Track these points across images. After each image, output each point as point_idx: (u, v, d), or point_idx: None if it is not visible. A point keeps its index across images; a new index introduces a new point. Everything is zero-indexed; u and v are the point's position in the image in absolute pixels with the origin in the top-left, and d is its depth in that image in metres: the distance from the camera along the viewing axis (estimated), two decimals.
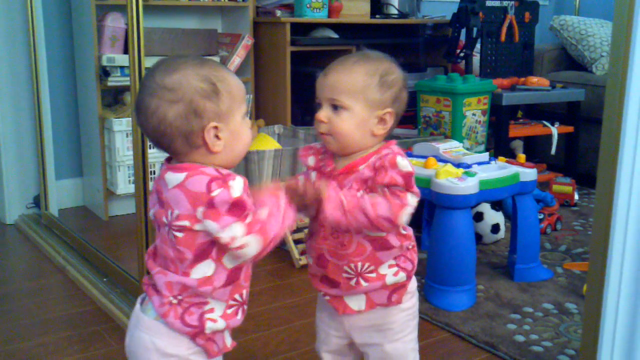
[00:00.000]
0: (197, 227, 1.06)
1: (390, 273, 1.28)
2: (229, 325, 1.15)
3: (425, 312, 2.07)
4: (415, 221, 2.81)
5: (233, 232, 1.04)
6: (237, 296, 1.15)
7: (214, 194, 1.03)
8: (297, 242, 2.47)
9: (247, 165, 2.54)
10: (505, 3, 3.55)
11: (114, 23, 2.91)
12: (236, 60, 3.22)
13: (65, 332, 1.96)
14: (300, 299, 2.16)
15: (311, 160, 1.31)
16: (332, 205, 1.16)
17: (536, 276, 2.33)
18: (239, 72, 3.27)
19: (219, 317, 1.13)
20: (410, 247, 1.31)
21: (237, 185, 1.05)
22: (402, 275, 1.29)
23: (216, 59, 3.18)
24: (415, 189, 1.21)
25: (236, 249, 1.05)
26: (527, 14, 3.64)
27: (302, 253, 2.41)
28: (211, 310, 1.12)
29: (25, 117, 2.91)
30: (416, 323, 1.37)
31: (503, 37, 3.54)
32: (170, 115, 1.06)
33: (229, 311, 1.14)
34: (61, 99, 3.10)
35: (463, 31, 3.38)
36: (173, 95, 1.06)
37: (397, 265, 1.29)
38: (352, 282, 1.28)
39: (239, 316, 1.16)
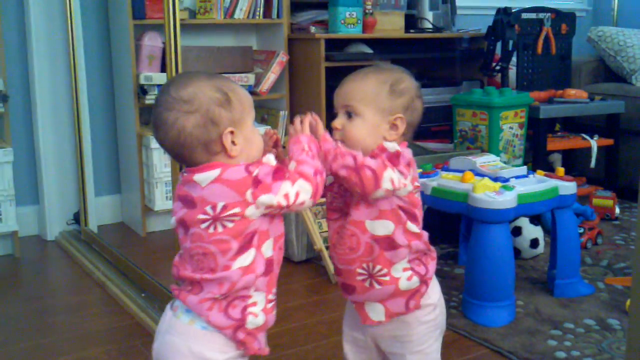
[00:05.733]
0: (247, 211, 1.10)
1: (404, 277, 1.29)
2: (267, 322, 1.19)
3: (464, 328, 2.05)
4: (452, 236, 2.81)
5: (284, 190, 1.11)
6: (274, 290, 1.20)
7: (255, 173, 1.10)
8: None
9: None
10: (541, 15, 3.52)
11: (151, 42, 2.96)
12: (271, 76, 3.24)
13: (104, 347, 1.98)
14: (336, 314, 2.15)
15: None
16: (302, 140, 1.19)
17: (577, 291, 2.29)
18: (274, 88, 3.29)
19: (260, 310, 1.16)
20: (426, 251, 1.33)
21: (270, 158, 1.15)
22: (415, 280, 1.30)
23: (251, 75, 3.21)
24: (402, 168, 1.22)
25: (296, 205, 1.12)
26: (563, 26, 3.60)
27: None
28: (254, 304, 1.15)
29: (66, 135, 2.97)
30: (439, 334, 1.37)
31: (539, 50, 3.51)
32: (189, 126, 1.11)
33: (269, 305, 1.18)
34: (100, 117, 3.16)
35: (498, 44, 3.36)
36: (189, 107, 1.12)
37: (412, 269, 1.30)
38: (367, 284, 1.30)
39: (274, 313, 1.21)
